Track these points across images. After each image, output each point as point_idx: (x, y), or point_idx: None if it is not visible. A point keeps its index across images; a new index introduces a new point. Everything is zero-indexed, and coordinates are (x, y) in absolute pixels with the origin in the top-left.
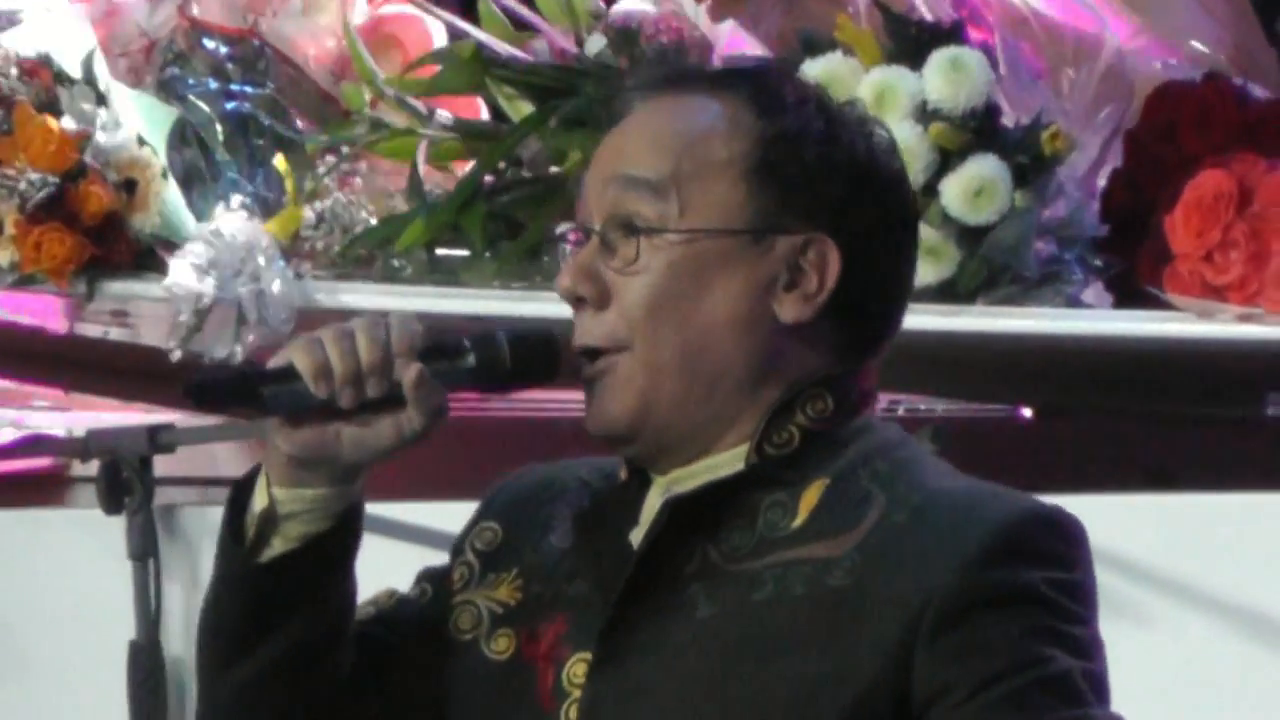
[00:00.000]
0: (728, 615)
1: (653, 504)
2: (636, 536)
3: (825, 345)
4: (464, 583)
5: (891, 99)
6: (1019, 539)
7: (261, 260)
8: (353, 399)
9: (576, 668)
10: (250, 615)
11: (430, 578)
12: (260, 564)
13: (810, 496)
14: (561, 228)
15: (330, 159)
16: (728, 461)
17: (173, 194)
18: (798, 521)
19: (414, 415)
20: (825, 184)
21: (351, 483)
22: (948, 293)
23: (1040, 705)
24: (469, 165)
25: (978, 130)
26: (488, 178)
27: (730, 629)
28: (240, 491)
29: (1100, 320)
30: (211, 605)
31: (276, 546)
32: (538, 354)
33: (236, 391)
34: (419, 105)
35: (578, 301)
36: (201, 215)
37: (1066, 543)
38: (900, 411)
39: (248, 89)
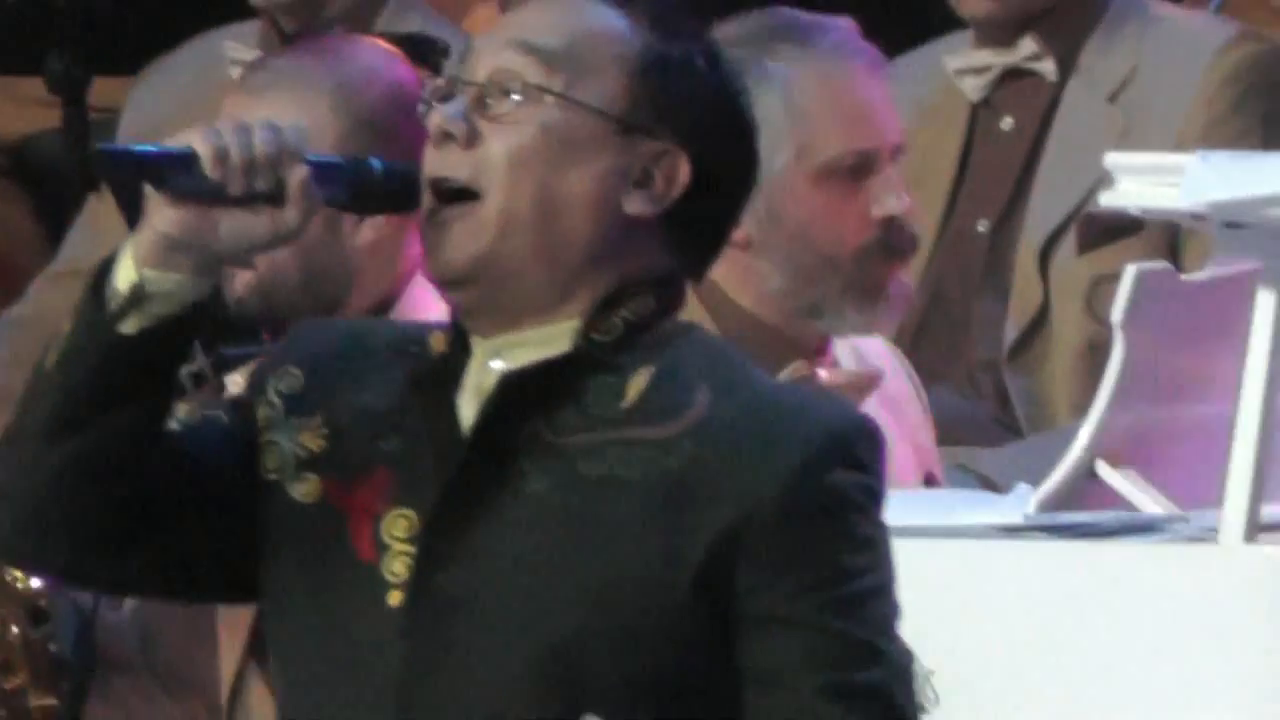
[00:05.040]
0: (559, 489)
1: (477, 371)
2: (463, 403)
3: (659, 249)
4: (268, 423)
5: None
6: (844, 446)
7: None
8: (242, 186)
9: (397, 523)
10: (99, 384)
11: (232, 407)
12: (121, 334)
13: (638, 381)
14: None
15: None
16: (554, 336)
17: None
18: (625, 403)
19: (292, 214)
20: (695, 108)
21: (213, 276)
22: None
23: (849, 616)
24: None
25: None
26: None
27: (563, 503)
28: (103, 268)
29: None
30: (58, 368)
31: (135, 323)
32: (405, 184)
33: (135, 165)
34: None
35: (445, 138)
36: None
37: (876, 450)
38: None
39: None
